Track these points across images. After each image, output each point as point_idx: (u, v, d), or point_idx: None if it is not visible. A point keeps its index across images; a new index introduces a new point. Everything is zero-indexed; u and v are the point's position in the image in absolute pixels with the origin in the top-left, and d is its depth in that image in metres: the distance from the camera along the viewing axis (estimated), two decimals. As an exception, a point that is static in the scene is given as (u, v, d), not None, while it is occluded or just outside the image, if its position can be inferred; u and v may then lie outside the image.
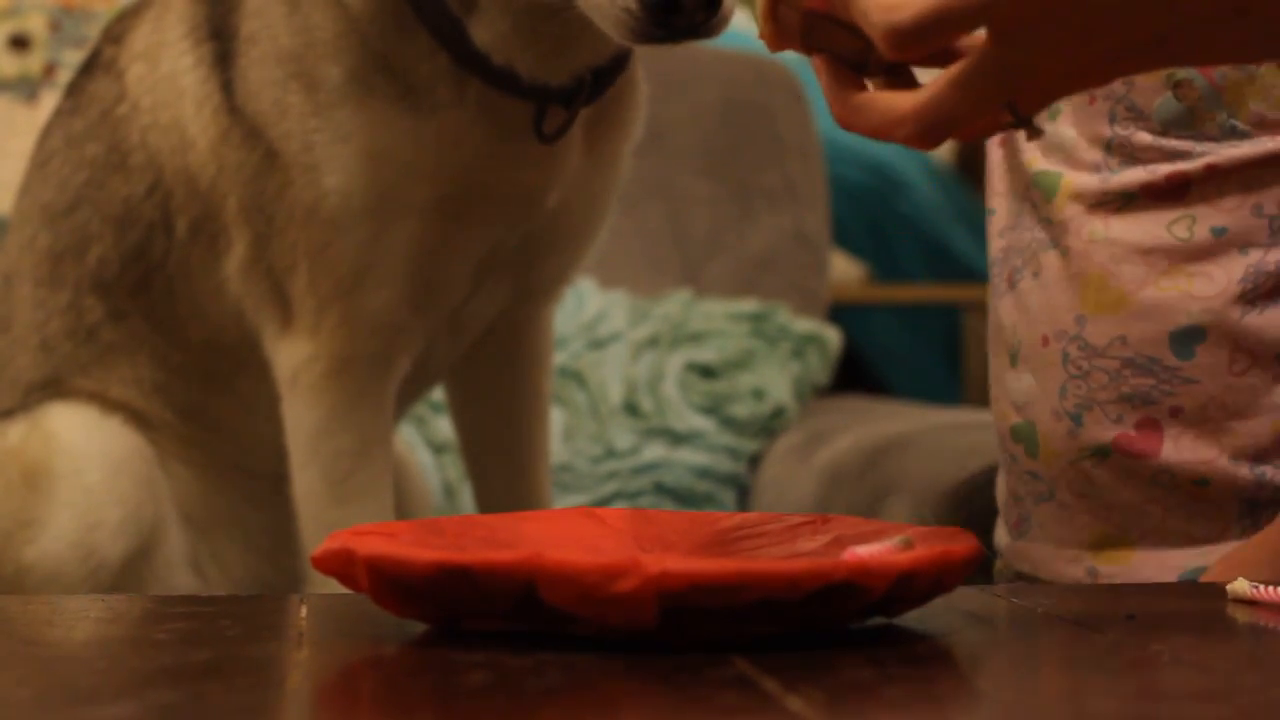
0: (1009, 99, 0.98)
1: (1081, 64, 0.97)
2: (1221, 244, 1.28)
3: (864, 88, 1.02)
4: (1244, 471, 1.27)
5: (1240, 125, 1.28)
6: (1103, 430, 1.30)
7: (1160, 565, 1.30)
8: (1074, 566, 1.32)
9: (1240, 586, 1.07)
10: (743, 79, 2.63)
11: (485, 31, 1.46)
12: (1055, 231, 1.32)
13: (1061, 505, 1.32)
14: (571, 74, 1.49)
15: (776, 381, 2.33)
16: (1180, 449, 1.28)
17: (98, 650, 1.02)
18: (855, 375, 2.86)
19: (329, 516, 1.54)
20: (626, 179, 1.64)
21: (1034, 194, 1.34)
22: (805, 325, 2.43)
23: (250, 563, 1.71)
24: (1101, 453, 1.30)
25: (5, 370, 1.68)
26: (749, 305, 2.44)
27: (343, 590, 1.00)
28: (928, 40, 0.97)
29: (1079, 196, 1.31)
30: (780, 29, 1.03)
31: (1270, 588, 1.05)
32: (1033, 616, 1.06)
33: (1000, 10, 0.95)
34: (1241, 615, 1.05)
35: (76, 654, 1.00)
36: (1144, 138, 1.29)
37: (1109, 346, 1.29)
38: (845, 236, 2.92)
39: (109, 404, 1.63)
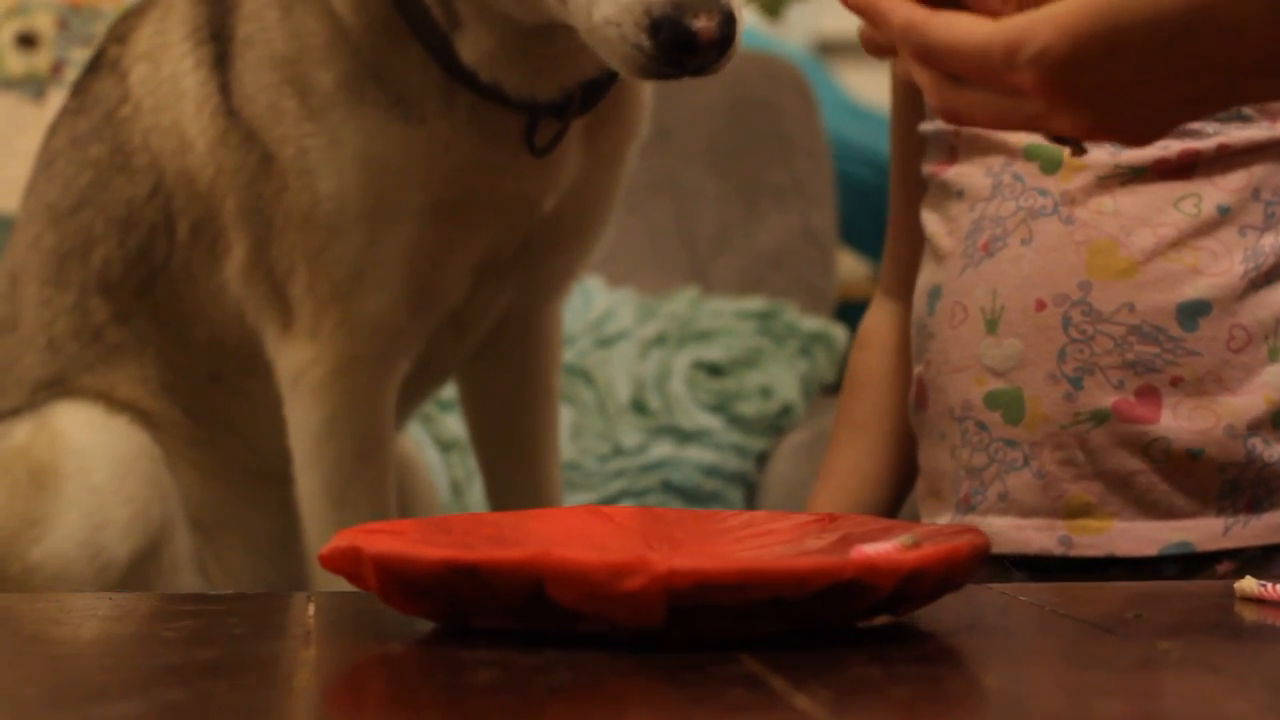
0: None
1: (1115, 128, 0.98)
2: (1225, 222, 1.32)
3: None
4: (1236, 445, 1.31)
5: (1246, 109, 1.32)
6: (1103, 395, 1.31)
7: (1138, 537, 1.31)
8: (1044, 535, 1.32)
9: (1248, 585, 1.07)
10: (750, 77, 2.62)
11: (471, 48, 1.46)
12: (1057, 200, 1.33)
13: (1039, 474, 1.33)
14: (560, 89, 1.48)
15: (784, 379, 2.33)
16: (1178, 418, 1.30)
17: (105, 648, 1.02)
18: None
19: (331, 518, 1.54)
20: (633, 177, 1.63)
21: (1023, 166, 1.35)
22: (813, 323, 2.43)
23: (254, 566, 1.71)
24: (1099, 417, 1.31)
25: (12, 369, 1.68)
26: (756, 303, 2.44)
27: (350, 589, 1.00)
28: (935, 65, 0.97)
29: (1086, 169, 1.33)
30: None
31: (1278, 587, 1.05)
32: (1040, 615, 1.06)
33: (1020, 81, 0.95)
34: (1249, 614, 1.05)
35: (84, 652, 1.00)
36: None
37: (1115, 313, 1.31)
38: (853, 234, 2.91)
39: (116, 403, 1.63)
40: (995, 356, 1.34)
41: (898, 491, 1.47)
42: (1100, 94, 0.94)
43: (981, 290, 1.35)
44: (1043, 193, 1.34)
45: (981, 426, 1.35)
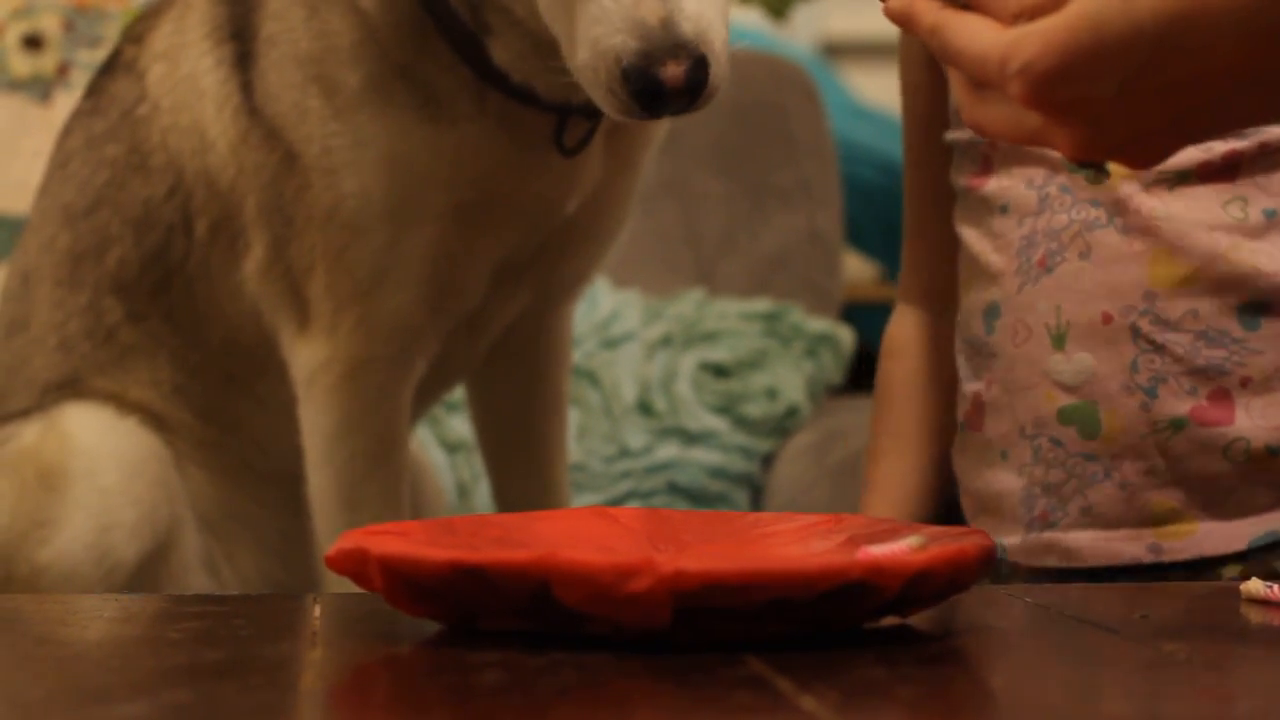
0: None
1: (1108, 145, 0.98)
2: (1272, 226, 1.32)
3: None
4: None
5: None
6: (1178, 402, 1.32)
7: (1226, 535, 1.32)
8: (1133, 545, 1.33)
9: (1254, 587, 1.07)
10: (756, 79, 2.63)
11: (504, 50, 1.46)
12: (1111, 211, 1.34)
13: (1121, 485, 1.33)
14: None
15: (790, 381, 2.33)
16: (1252, 416, 1.31)
17: (111, 650, 1.02)
18: (868, 375, 2.86)
19: (343, 519, 1.54)
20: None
21: (1068, 178, 1.35)
22: (818, 324, 2.43)
23: (265, 566, 1.71)
24: (1177, 424, 1.32)
25: (22, 370, 1.68)
26: (762, 305, 2.44)
27: (357, 590, 1.00)
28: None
29: (1134, 175, 1.33)
30: None
31: (1285, 587, 1.06)
32: (1046, 616, 1.06)
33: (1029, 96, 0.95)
34: (1254, 615, 1.05)
35: (90, 653, 1.00)
36: None
37: (1181, 320, 1.32)
38: (858, 236, 2.91)
39: (126, 404, 1.63)
40: (1066, 372, 1.34)
41: (941, 496, 1.47)
42: (1086, 109, 0.94)
43: (1044, 306, 1.35)
44: (1094, 204, 1.34)
45: (1056, 442, 1.35)
